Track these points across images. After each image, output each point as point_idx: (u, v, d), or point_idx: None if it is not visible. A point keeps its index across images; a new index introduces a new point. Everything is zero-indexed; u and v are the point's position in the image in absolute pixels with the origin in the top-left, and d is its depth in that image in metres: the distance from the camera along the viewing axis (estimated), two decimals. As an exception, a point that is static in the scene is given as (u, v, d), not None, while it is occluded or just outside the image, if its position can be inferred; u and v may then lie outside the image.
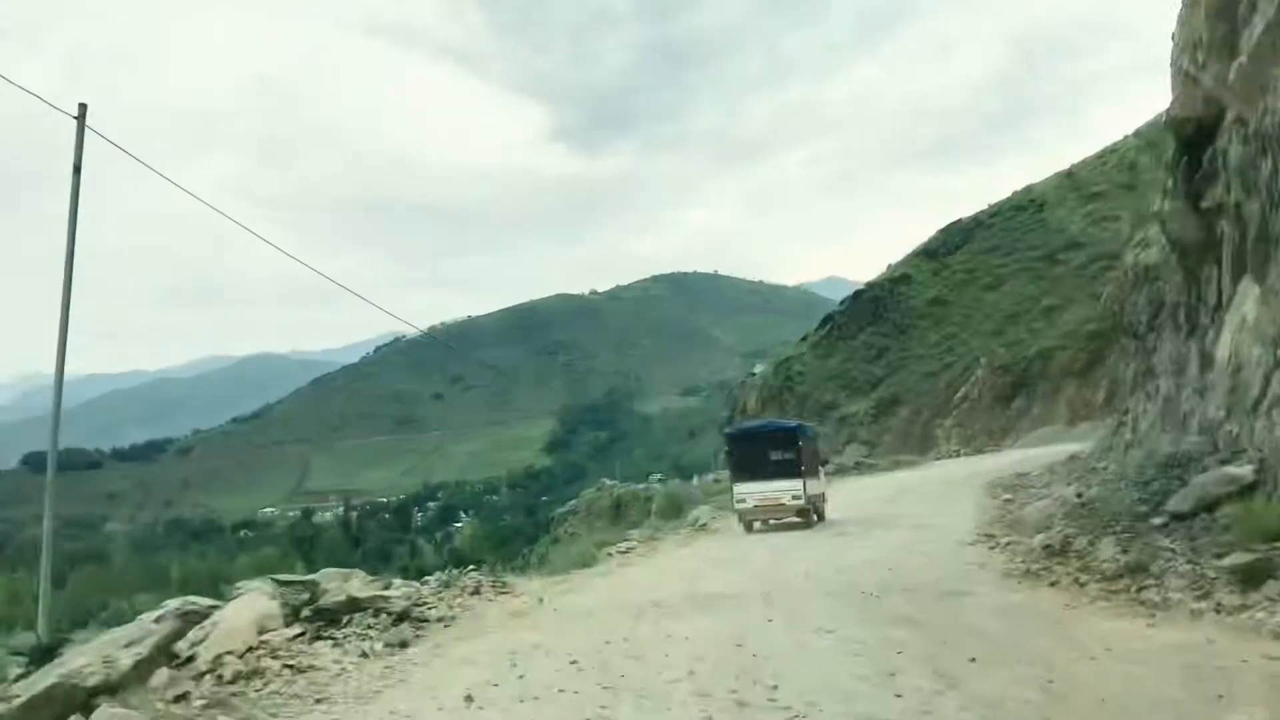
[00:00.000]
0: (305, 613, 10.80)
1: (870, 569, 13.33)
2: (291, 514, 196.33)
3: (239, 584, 11.66)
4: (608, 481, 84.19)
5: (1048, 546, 11.75)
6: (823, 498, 23.51)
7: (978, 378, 74.18)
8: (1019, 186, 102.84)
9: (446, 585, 13.09)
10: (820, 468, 24.80)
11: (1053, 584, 10.34)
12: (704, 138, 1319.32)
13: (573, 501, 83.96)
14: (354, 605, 10.73)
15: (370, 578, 12.16)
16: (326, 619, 10.53)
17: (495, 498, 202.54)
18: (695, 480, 68.67)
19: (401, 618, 10.85)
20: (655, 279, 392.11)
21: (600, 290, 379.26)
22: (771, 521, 21.77)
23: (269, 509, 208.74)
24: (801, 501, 21.28)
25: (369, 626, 10.36)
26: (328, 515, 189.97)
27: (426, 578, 13.88)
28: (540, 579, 15.08)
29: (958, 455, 61.62)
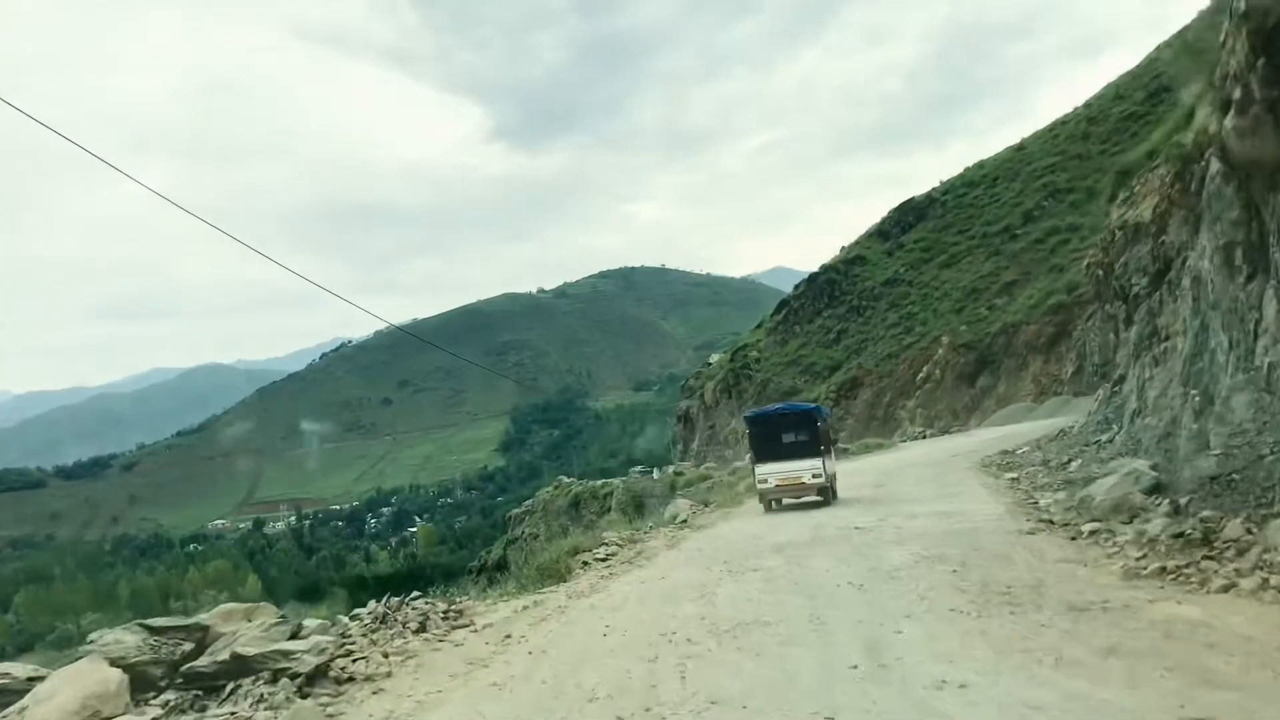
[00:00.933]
0: (179, 676, 7.60)
1: (927, 570, 10.43)
2: (242, 525, 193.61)
3: (92, 635, 8.39)
4: (565, 479, 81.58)
5: (1180, 535, 8.89)
6: (835, 477, 23.46)
7: (939, 357, 72.22)
8: (969, 164, 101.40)
9: (382, 621, 9.88)
10: (832, 448, 25.09)
11: (1226, 588, 7.46)
12: (646, 133, 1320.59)
13: (529, 501, 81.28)
14: (243, 667, 7.54)
15: (275, 618, 8.96)
16: (203, 686, 7.34)
17: (450, 500, 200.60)
18: (655, 474, 66.04)
19: (313, 678, 7.68)
20: (603, 275, 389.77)
21: (548, 288, 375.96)
22: (786, 501, 21.96)
23: (219, 521, 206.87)
24: (822, 480, 21.56)
25: (260, 700, 7.14)
26: (279, 525, 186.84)
27: (358, 610, 10.62)
28: (505, 602, 11.90)
29: (923, 436, 59.70)
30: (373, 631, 9.52)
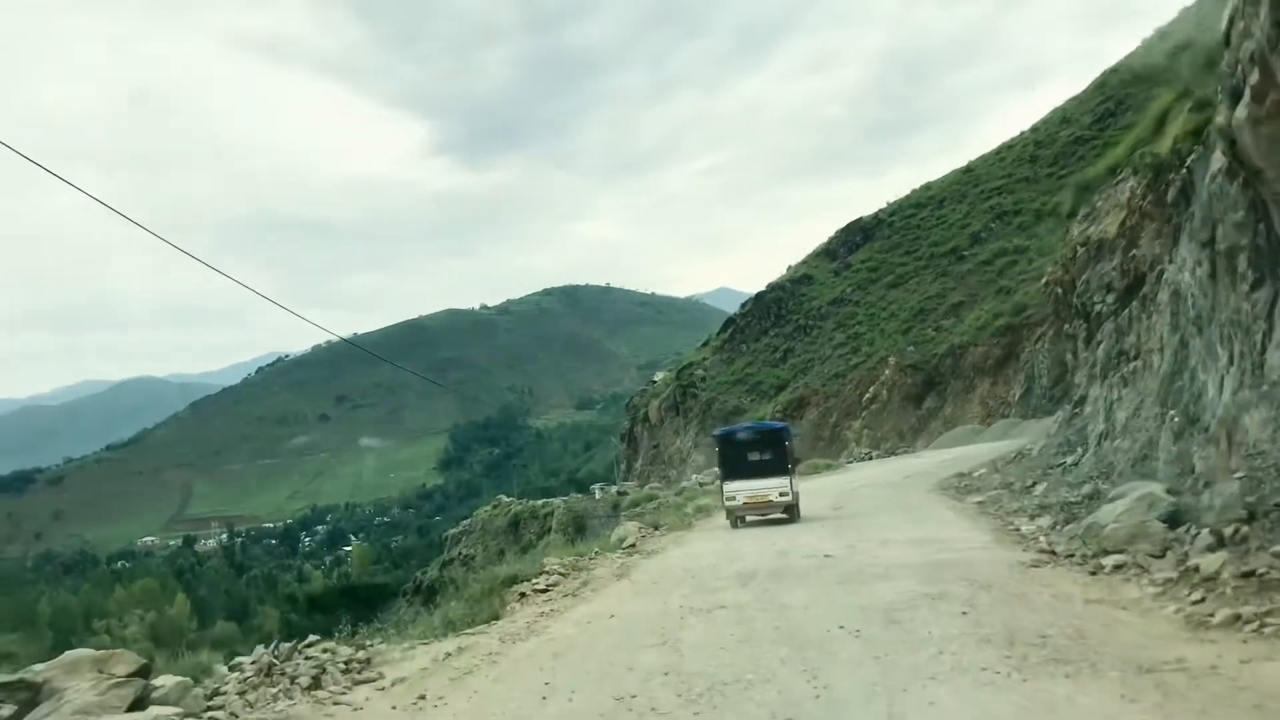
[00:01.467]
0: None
1: (931, 612, 8.74)
2: (172, 543, 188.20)
3: None
4: (504, 498, 79.56)
5: (1250, 574, 7.27)
6: (799, 495, 23.72)
7: (886, 377, 71.40)
8: (916, 186, 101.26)
9: (267, 673, 7.93)
10: (796, 467, 25.46)
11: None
12: (593, 152, 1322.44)
13: (466, 520, 79.02)
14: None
15: (125, 673, 7.00)
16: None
17: (386, 519, 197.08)
18: (598, 494, 64.30)
19: (154, 764, 5.76)
20: (547, 292, 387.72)
21: (491, 305, 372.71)
22: (750, 518, 22.30)
23: (148, 538, 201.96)
24: (789, 498, 22.08)
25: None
26: (211, 542, 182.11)
27: (239, 659, 8.65)
28: (424, 645, 9.96)
29: (869, 457, 58.84)
30: (253, 688, 7.58)
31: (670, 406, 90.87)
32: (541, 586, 13.60)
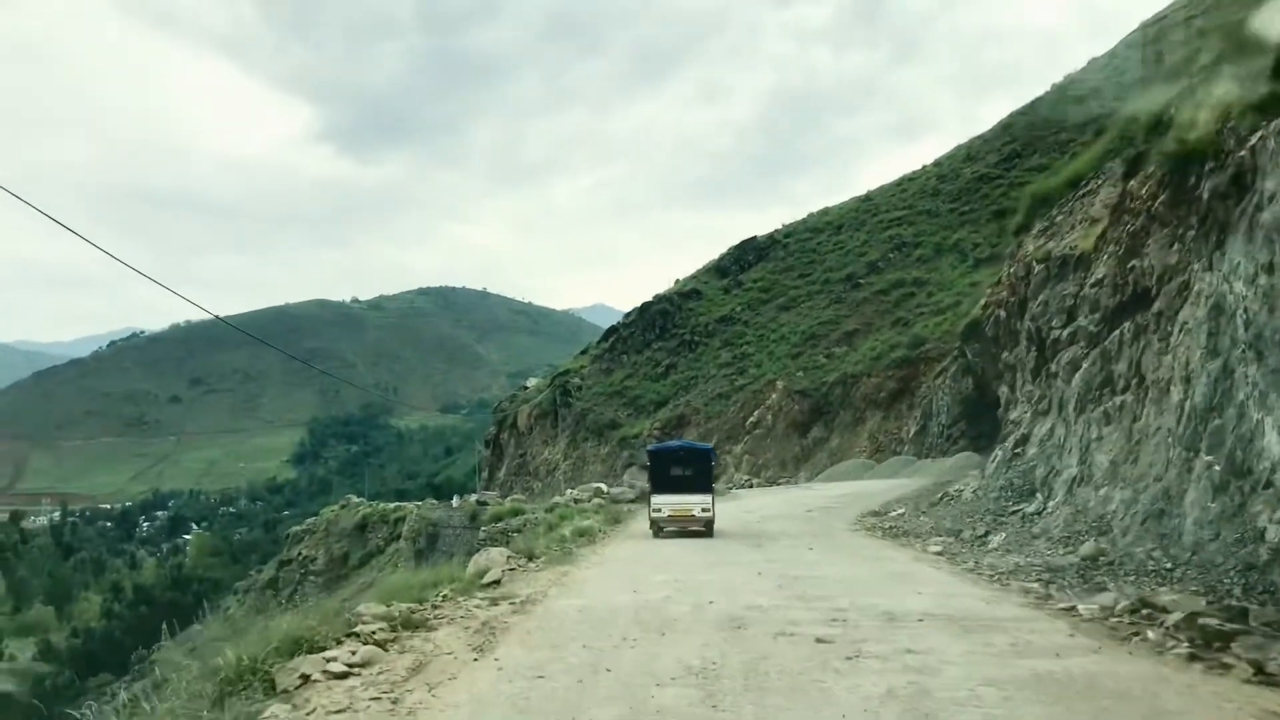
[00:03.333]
0: None
1: None
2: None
3: None
4: (355, 498, 73.32)
5: None
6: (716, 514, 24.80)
7: (772, 402, 67.27)
8: (814, 210, 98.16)
9: None
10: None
11: None
12: (480, 156, 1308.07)
13: (311, 519, 72.33)
14: None
15: None
16: None
17: (232, 510, 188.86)
18: (455, 501, 58.85)
19: None
20: (422, 291, 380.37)
21: (363, 299, 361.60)
22: (668, 529, 23.73)
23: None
24: (710, 514, 23.60)
25: None
26: (40, 520, 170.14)
27: None
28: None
29: (750, 485, 54.48)
30: None
31: (544, 414, 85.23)
32: (340, 668, 7.67)
